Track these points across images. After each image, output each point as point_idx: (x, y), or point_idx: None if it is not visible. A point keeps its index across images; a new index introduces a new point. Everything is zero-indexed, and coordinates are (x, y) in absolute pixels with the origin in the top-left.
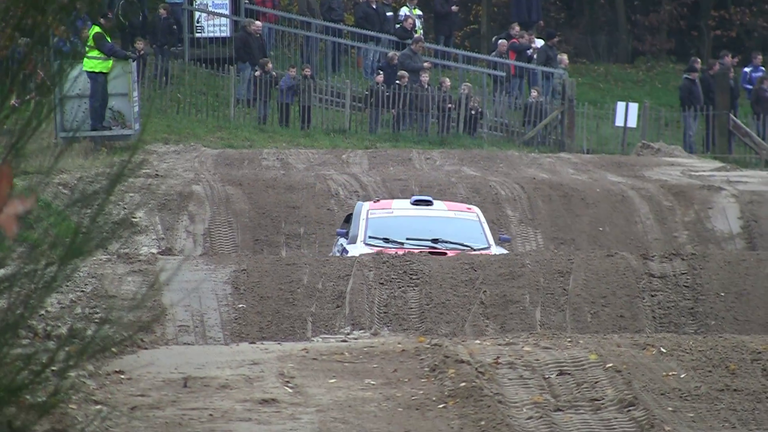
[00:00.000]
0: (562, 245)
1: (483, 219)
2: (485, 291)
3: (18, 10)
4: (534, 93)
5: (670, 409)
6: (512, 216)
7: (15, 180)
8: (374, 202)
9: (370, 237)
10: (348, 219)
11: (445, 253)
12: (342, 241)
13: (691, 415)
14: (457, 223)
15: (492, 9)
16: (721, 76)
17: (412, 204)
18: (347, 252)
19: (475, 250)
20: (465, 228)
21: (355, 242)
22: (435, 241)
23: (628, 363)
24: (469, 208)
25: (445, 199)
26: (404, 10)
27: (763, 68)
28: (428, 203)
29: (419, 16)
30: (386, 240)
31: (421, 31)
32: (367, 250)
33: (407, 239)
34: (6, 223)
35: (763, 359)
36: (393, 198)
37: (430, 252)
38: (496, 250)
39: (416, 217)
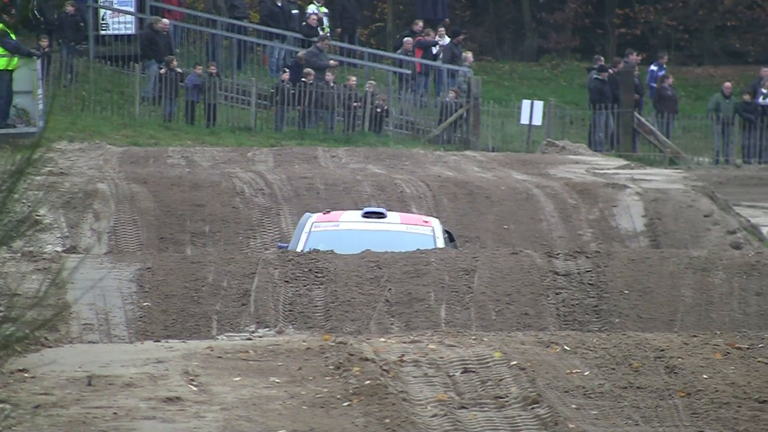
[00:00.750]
0: (468, 243)
1: (439, 234)
2: (390, 289)
3: None
4: (452, 94)
5: (573, 406)
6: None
7: None
8: (323, 213)
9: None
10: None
11: None
12: None
13: (595, 412)
14: (408, 238)
15: (397, 6)
16: (625, 75)
17: (363, 216)
18: None
19: None
20: (416, 244)
21: None
22: None
23: (532, 361)
24: (426, 222)
25: (401, 211)
26: (311, 8)
27: (665, 68)
28: (380, 215)
29: (326, 14)
30: None
31: (328, 29)
32: None
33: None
34: None
35: (666, 357)
36: (299, 197)
37: None
38: None
39: (364, 231)
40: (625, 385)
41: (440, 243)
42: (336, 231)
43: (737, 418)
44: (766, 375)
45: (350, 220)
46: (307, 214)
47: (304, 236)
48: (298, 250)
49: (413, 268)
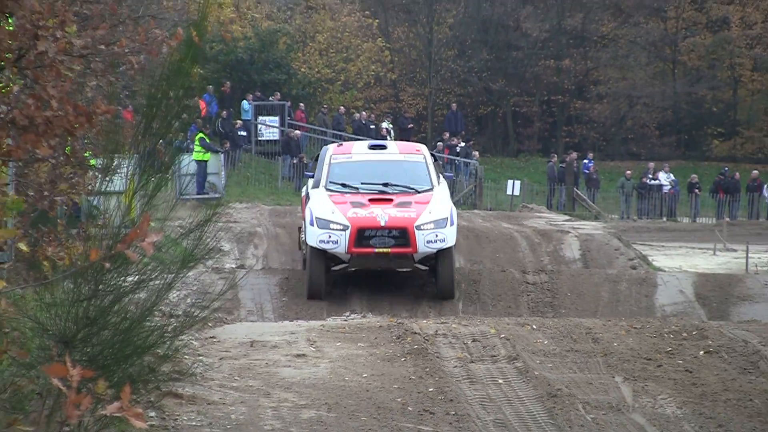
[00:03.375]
0: (475, 265)
1: (429, 158)
2: (429, 291)
3: (151, 125)
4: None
5: (537, 361)
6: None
7: (151, 222)
8: (337, 146)
9: (330, 182)
10: (317, 158)
11: (392, 200)
12: (309, 183)
13: (550, 365)
14: (406, 166)
15: (434, 124)
16: (569, 165)
17: (369, 148)
18: (309, 198)
19: (419, 192)
20: (412, 170)
21: (318, 187)
22: (385, 185)
23: (513, 334)
24: (418, 150)
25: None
26: (384, 124)
27: (592, 161)
28: (383, 147)
29: (392, 127)
30: (344, 185)
31: (393, 136)
32: (326, 194)
33: (362, 183)
34: (147, 247)
35: (592, 332)
36: None
37: (378, 198)
38: (438, 189)
39: (371, 162)
40: (568, 349)
41: (431, 168)
42: (349, 163)
43: (633, 368)
44: (651, 343)
45: (360, 151)
46: (325, 146)
47: (325, 168)
48: (322, 180)
49: None
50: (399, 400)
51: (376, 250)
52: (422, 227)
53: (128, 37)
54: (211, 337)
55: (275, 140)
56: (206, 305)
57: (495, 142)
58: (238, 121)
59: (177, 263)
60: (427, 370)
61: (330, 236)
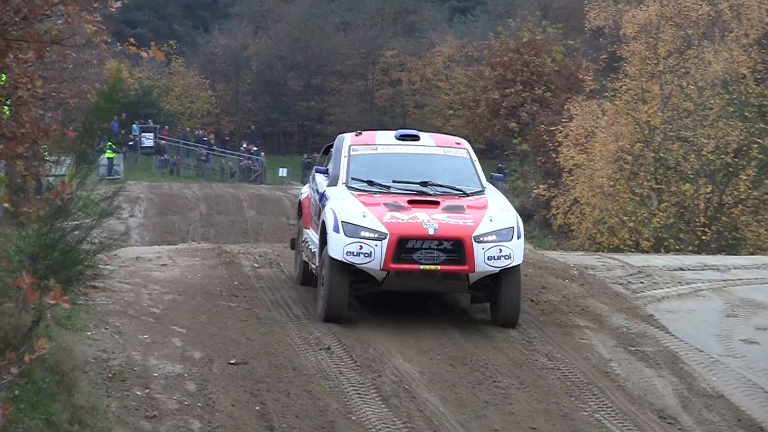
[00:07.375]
0: (261, 215)
1: (473, 155)
2: (236, 227)
3: (84, 138)
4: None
5: (290, 266)
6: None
7: (76, 191)
8: (356, 135)
9: (352, 179)
10: (327, 151)
11: (438, 203)
12: (321, 181)
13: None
14: (447, 162)
15: (240, 137)
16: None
17: (398, 139)
18: (326, 198)
19: (468, 194)
20: (456, 167)
21: (336, 184)
22: (424, 184)
23: (281, 253)
24: (458, 143)
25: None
26: (211, 137)
27: None
28: (415, 138)
29: (213, 138)
30: (370, 183)
31: (215, 145)
32: (349, 194)
33: (393, 182)
34: (65, 199)
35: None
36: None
37: (420, 200)
38: (490, 193)
39: (403, 154)
40: None
41: (477, 165)
42: (375, 154)
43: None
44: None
45: (386, 143)
46: (341, 135)
47: (344, 161)
48: (341, 176)
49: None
50: (218, 289)
51: (422, 267)
52: (482, 239)
53: (69, 89)
54: (114, 255)
55: (151, 146)
56: (112, 238)
57: (273, 147)
58: (132, 136)
59: (97, 215)
60: (234, 272)
61: (361, 247)
